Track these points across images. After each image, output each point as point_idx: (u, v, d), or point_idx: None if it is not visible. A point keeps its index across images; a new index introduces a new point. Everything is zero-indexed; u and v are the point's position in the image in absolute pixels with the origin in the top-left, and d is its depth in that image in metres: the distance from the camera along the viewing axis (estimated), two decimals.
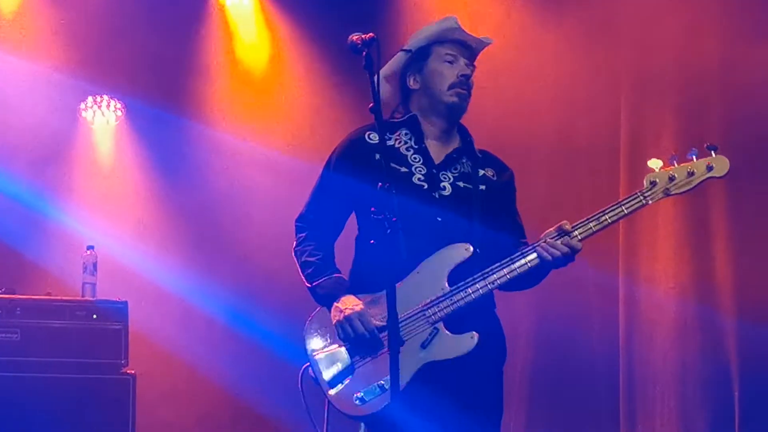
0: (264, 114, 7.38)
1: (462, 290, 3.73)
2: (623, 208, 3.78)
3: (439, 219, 3.80)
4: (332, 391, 3.73)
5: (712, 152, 3.77)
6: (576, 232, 3.74)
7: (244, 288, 6.91)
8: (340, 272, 3.85)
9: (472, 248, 3.75)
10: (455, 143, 3.96)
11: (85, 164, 7.14)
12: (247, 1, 7.36)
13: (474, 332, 3.68)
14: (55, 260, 6.72)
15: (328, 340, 3.78)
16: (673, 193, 3.78)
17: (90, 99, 7.10)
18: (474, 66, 3.98)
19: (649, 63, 6.65)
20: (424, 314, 3.72)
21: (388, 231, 3.44)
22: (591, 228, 3.76)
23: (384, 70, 3.95)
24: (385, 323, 3.61)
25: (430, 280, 3.74)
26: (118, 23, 7.08)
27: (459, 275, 3.75)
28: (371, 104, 3.49)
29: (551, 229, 3.77)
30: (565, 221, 3.77)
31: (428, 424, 3.62)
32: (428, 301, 3.73)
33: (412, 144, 3.91)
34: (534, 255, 3.74)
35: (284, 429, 6.65)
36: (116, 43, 7.08)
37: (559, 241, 3.72)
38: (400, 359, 3.33)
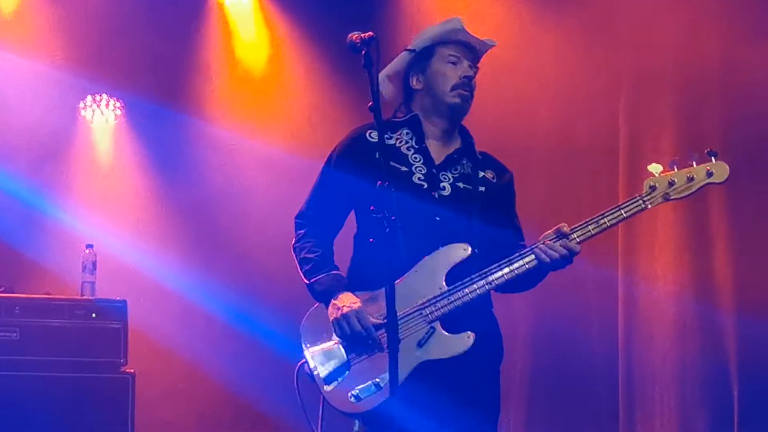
0: (263, 112, 7.38)
1: (460, 290, 3.73)
2: (622, 211, 3.78)
3: (438, 218, 3.81)
4: (328, 388, 3.74)
5: (713, 158, 3.78)
6: (574, 235, 3.75)
7: (243, 286, 6.90)
8: (338, 269, 3.86)
9: (470, 248, 3.76)
10: (456, 144, 3.97)
11: (85, 163, 7.13)
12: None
13: (470, 332, 3.69)
14: (54, 258, 6.72)
15: (325, 337, 3.78)
16: (672, 198, 3.79)
17: (89, 98, 7.09)
18: (477, 68, 3.99)
19: (649, 63, 6.64)
20: (421, 313, 3.72)
21: (387, 230, 3.44)
22: (590, 231, 3.76)
23: (387, 70, 3.99)
24: (382, 321, 3.64)
25: (428, 279, 3.75)
26: (117, 22, 7.08)
27: (457, 275, 3.76)
28: (370, 103, 3.49)
29: (549, 231, 3.78)
30: (563, 224, 3.77)
31: (423, 421, 3.62)
32: (426, 299, 3.73)
33: (413, 144, 3.92)
34: (532, 257, 3.75)
35: (284, 427, 6.65)
36: (115, 42, 7.08)
37: (557, 244, 3.72)
38: (390, 359, 3.34)
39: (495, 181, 3.95)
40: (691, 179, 3.77)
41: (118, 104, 7.14)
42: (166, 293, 6.77)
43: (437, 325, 3.71)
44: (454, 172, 3.91)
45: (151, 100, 7.07)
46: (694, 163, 3.80)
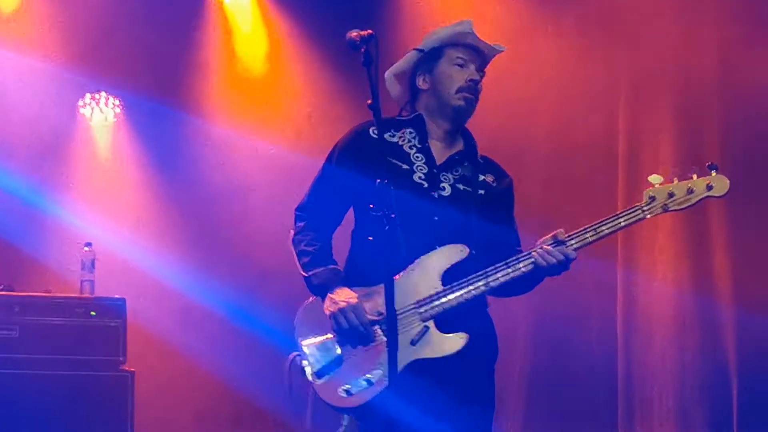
0: (262, 110, 7.39)
1: (455, 290, 3.74)
2: (621, 220, 3.80)
3: (437, 218, 3.81)
4: (319, 382, 3.74)
5: (713, 172, 3.79)
6: (572, 242, 3.76)
7: (242, 283, 6.91)
8: (336, 264, 3.86)
9: (468, 249, 3.77)
10: (458, 146, 3.98)
11: (84, 160, 7.14)
12: None
13: (464, 333, 3.69)
14: (53, 256, 6.72)
15: (319, 331, 3.78)
16: (671, 209, 3.81)
17: (88, 96, 7.10)
18: (484, 72, 4.00)
19: (648, 63, 6.64)
20: (416, 311, 3.73)
21: (387, 228, 3.44)
22: (587, 238, 3.78)
23: (395, 68, 4.01)
24: (377, 318, 3.65)
25: (424, 278, 3.75)
26: (116, 20, 7.08)
27: (453, 275, 3.76)
28: (369, 101, 3.49)
29: (547, 236, 3.79)
30: (560, 230, 3.78)
31: (415, 416, 3.62)
32: (421, 298, 3.73)
33: (416, 143, 3.93)
34: (529, 260, 3.75)
35: (283, 424, 6.65)
36: (115, 40, 7.07)
37: (555, 249, 3.73)
38: (389, 354, 3.36)
39: (494, 185, 3.96)
40: (690, 191, 3.79)
41: (117, 102, 7.14)
42: (165, 291, 6.77)
43: (431, 324, 3.72)
44: (455, 173, 3.92)
45: (151, 98, 7.08)
46: (695, 176, 3.81)
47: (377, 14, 7.02)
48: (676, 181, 3.80)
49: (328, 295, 3.75)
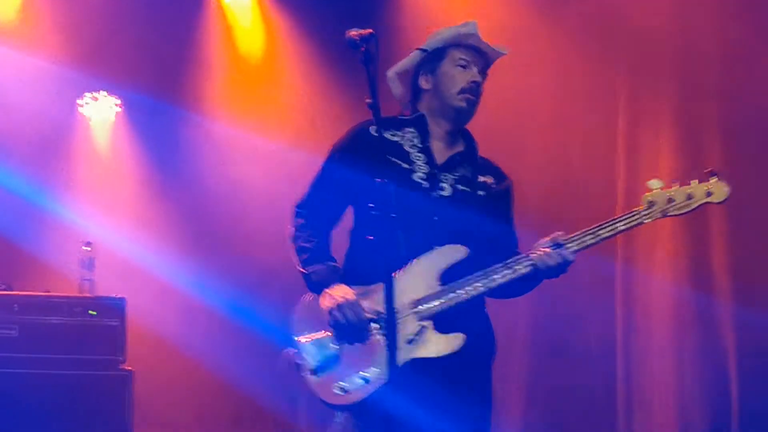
0: (263, 108, 7.39)
1: (453, 291, 3.74)
2: (620, 224, 3.80)
3: (436, 218, 3.81)
4: (314, 379, 3.73)
5: (713, 178, 3.79)
6: (571, 245, 3.76)
7: (242, 282, 6.91)
8: (335, 261, 3.86)
9: (467, 250, 3.77)
10: (459, 147, 3.98)
11: (84, 159, 7.14)
12: None
13: (461, 333, 3.69)
14: (53, 254, 6.72)
15: (316, 327, 3.77)
16: (670, 214, 3.81)
17: (88, 94, 7.10)
18: (486, 74, 4.00)
19: (647, 62, 6.64)
20: (414, 311, 3.72)
21: (386, 227, 3.44)
22: (586, 242, 3.78)
23: (398, 67, 4.00)
24: (374, 316, 3.64)
25: (422, 278, 3.75)
26: (116, 18, 7.09)
27: (451, 276, 3.76)
28: (368, 100, 3.49)
29: (546, 239, 3.79)
30: (559, 233, 3.78)
31: (411, 413, 3.61)
32: (419, 298, 3.73)
33: (417, 143, 3.93)
34: (527, 262, 3.75)
35: (284, 422, 6.65)
36: (115, 38, 7.08)
37: (553, 252, 3.73)
38: (386, 353, 3.36)
39: (494, 186, 3.96)
40: (690, 197, 3.79)
41: (117, 100, 7.14)
42: (165, 290, 6.77)
43: (428, 323, 3.72)
44: (455, 174, 3.92)
45: (151, 97, 7.08)
46: (695, 181, 3.81)
47: (377, 13, 7.02)
48: (675, 186, 3.80)
49: (325, 290, 3.75)
